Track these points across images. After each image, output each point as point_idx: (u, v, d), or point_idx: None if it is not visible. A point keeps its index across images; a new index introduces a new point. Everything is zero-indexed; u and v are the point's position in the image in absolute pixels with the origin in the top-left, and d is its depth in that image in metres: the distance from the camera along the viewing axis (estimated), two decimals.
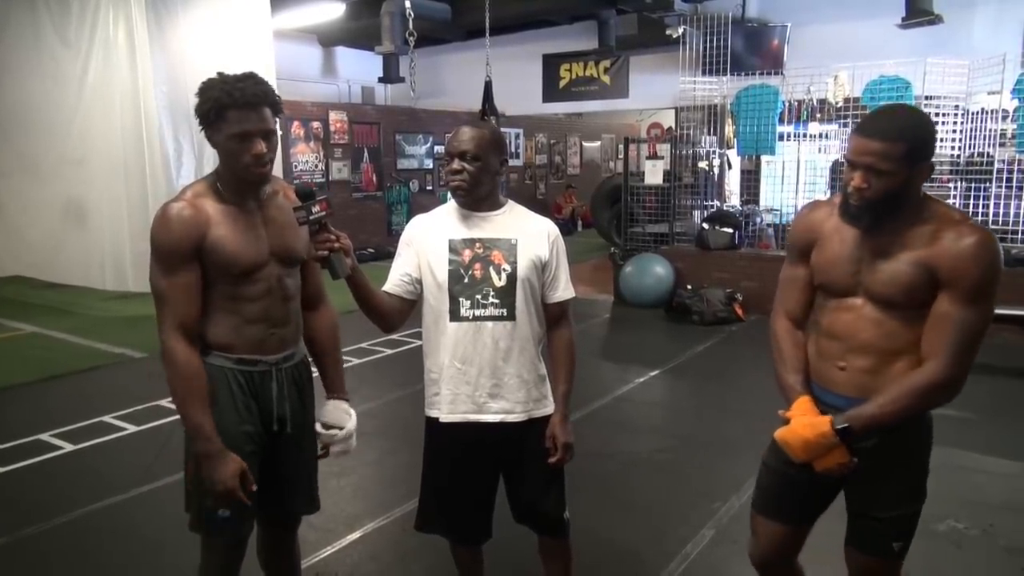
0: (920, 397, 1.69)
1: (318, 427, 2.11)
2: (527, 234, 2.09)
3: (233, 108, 1.80)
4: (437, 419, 2.11)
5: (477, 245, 2.05)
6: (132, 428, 4.38)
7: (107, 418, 4.54)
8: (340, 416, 2.12)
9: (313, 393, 2.13)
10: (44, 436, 4.26)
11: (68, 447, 4.14)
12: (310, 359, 2.16)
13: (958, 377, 1.68)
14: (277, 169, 8.53)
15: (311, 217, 1.81)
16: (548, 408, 2.14)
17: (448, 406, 2.09)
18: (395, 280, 2.10)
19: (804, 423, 1.75)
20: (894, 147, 1.59)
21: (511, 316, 2.05)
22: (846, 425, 1.70)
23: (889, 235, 1.69)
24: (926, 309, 1.68)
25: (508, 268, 2.04)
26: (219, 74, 1.86)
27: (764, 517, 1.98)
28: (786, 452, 1.78)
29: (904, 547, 1.84)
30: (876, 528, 1.82)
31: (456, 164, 2.01)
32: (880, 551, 1.84)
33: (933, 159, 1.70)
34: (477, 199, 2.05)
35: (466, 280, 2.03)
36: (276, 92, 1.89)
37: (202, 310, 1.88)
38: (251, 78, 1.85)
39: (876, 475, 1.78)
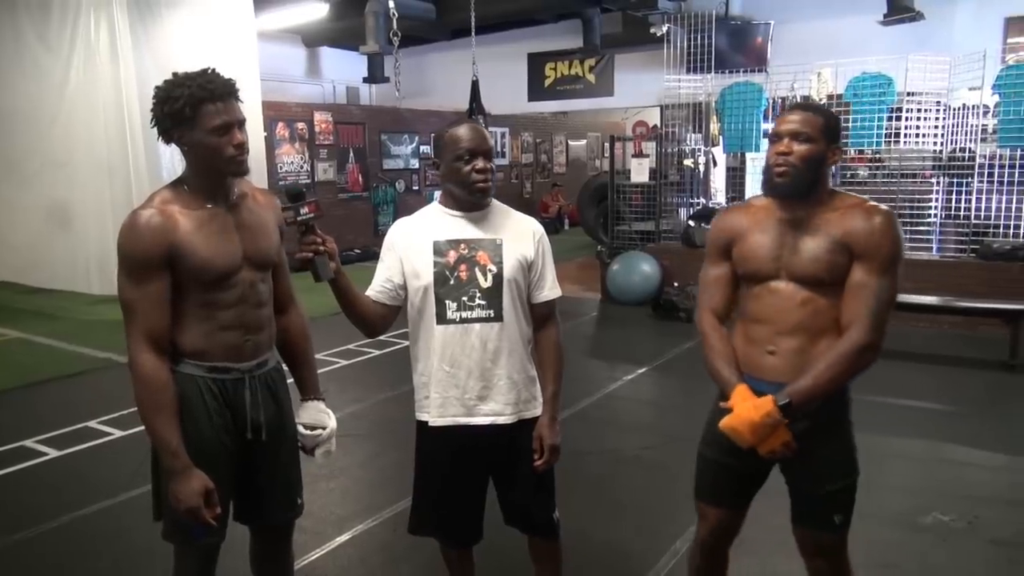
0: (849, 361, 1.82)
1: (300, 429, 2.08)
2: (512, 233, 2.08)
3: (209, 101, 1.78)
4: (427, 423, 2.10)
5: (462, 246, 2.03)
6: (118, 433, 4.35)
7: (93, 423, 4.50)
8: (320, 416, 2.10)
9: (289, 398, 2.10)
10: (28, 442, 4.22)
11: (53, 453, 4.11)
12: (283, 364, 2.13)
13: (878, 339, 1.83)
14: (262, 171, 8.47)
15: (299, 218, 1.81)
16: (538, 409, 2.13)
17: (437, 410, 2.07)
18: (378, 286, 2.08)
19: (748, 407, 1.84)
20: (814, 118, 1.86)
21: (498, 317, 2.04)
22: (787, 400, 1.81)
23: (806, 221, 1.88)
24: (842, 286, 1.85)
25: (494, 268, 2.02)
26: (174, 74, 1.82)
27: (707, 504, 2.11)
28: (734, 439, 1.86)
29: (845, 520, 1.96)
30: (819, 504, 1.94)
31: (482, 163, 1.99)
32: (825, 526, 1.95)
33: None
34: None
35: (452, 282, 2.01)
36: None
37: (173, 318, 1.83)
38: (212, 71, 1.83)
39: (808, 454, 1.90)
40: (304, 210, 1.81)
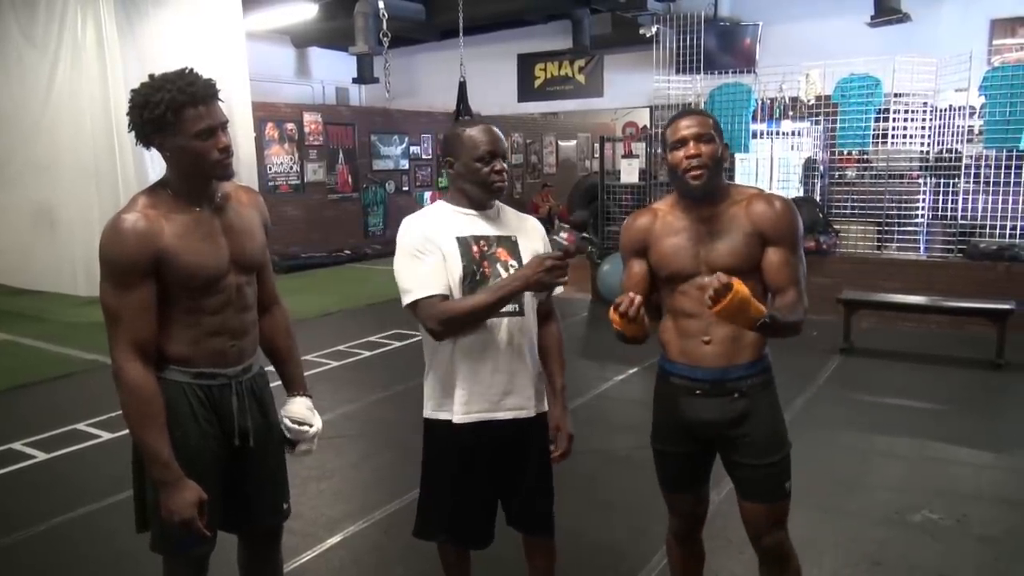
0: (798, 310, 1.96)
1: (287, 422, 2.06)
2: (523, 231, 2.12)
3: (191, 105, 1.73)
4: (449, 421, 2.06)
5: (482, 243, 2.04)
6: (106, 435, 4.32)
7: (81, 425, 4.47)
8: (307, 413, 2.09)
9: (273, 404, 2.08)
10: (16, 445, 4.19)
11: (41, 456, 4.08)
12: (269, 367, 2.11)
13: (806, 303, 2.00)
14: (253, 172, 8.36)
15: (575, 247, 1.91)
16: (546, 403, 2.15)
17: (463, 407, 2.04)
18: (441, 286, 1.97)
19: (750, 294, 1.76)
20: (707, 120, 2.00)
21: (521, 312, 2.06)
22: (772, 315, 1.81)
23: (715, 218, 2.01)
24: (758, 271, 2.00)
25: (515, 264, 2.04)
26: (151, 76, 1.78)
27: (674, 493, 2.23)
28: (721, 290, 1.72)
29: (790, 485, 2.08)
30: (772, 473, 2.05)
31: (500, 164, 2.02)
32: (781, 495, 2.06)
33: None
34: None
35: (477, 278, 2.00)
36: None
37: (159, 324, 1.79)
38: (193, 74, 1.78)
39: (757, 429, 2.05)
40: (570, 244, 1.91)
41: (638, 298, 1.84)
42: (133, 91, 1.78)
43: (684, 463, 2.17)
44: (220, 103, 1.82)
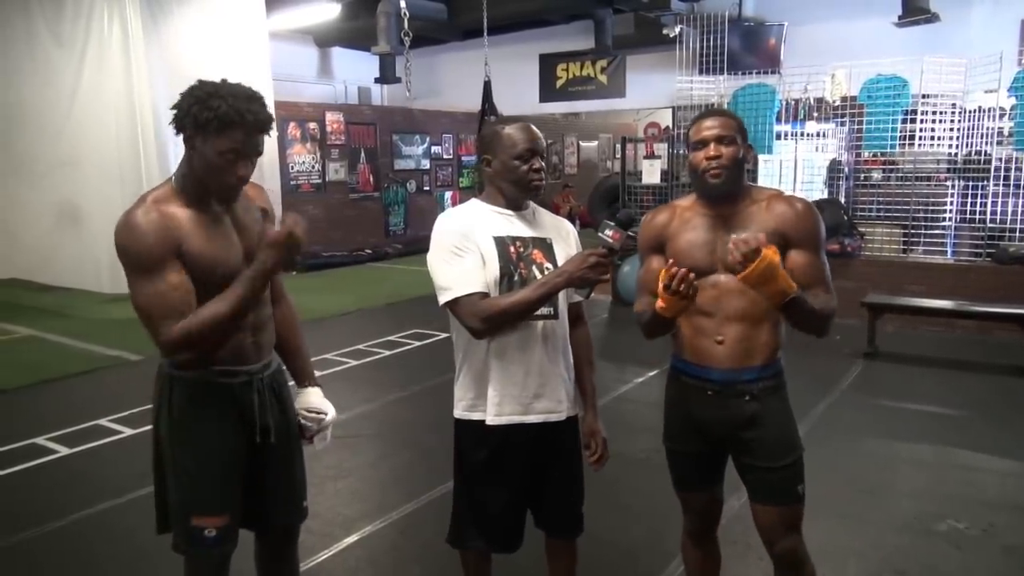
0: (829, 303, 1.95)
1: (304, 413, 2.07)
2: (558, 233, 2.11)
3: (240, 128, 1.72)
4: (481, 422, 2.03)
5: (518, 243, 2.02)
6: (128, 431, 4.35)
7: (103, 421, 4.51)
8: (321, 402, 2.10)
9: (292, 400, 2.09)
10: (39, 440, 4.24)
11: (64, 451, 4.12)
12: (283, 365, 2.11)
13: (836, 302, 1.99)
14: (274, 171, 8.39)
15: (620, 244, 1.92)
16: (577, 407, 2.14)
17: (495, 408, 2.01)
18: (479, 284, 1.95)
19: (780, 264, 1.81)
20: (730, 121, 2.00)
21: (556, 315, 2.04)
22: (797, 296, 1.86)
23: (733, 217, 2.00)
24: None
25: (550, 267, 2.02)
26: (223, 80, 1.77)
27: (686, 491, 2.23)
28: (749, 255, 1.76)
29: (803, 489, 2.05)
30: (784, 476, 2.03)
31: (538, 163, 2.01)
32: (792, 497, 2.04)
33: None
34: None
35: (515, 278, 1.98)
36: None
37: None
38: (258, 100, 1.77)
39: (768, 433, 2.03)
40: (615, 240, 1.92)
41: (692, 274, 1.81)
42: (200, 81, 1.77)
43: (695, 462, 2.17)
44: (268, 136, 1.80)
